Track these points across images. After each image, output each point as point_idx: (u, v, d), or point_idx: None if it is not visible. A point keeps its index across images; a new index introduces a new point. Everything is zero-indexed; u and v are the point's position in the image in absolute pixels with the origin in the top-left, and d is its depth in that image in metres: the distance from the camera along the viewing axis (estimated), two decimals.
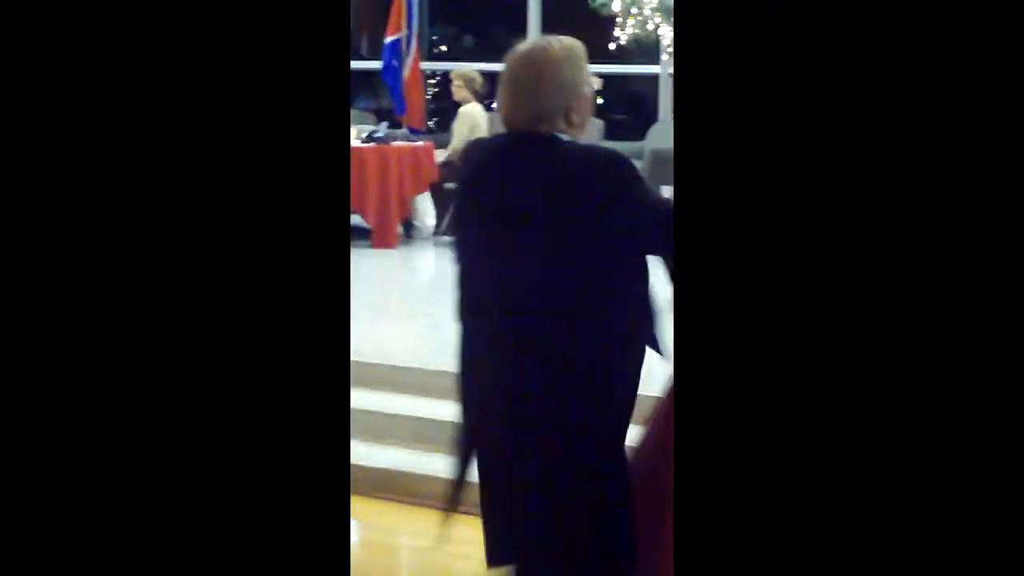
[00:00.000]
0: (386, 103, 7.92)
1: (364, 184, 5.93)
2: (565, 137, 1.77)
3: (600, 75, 5.84)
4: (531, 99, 1.77)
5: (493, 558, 1.82)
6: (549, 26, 8.75)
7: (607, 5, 6.77)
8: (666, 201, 1.72)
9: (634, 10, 6.83)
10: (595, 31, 6.92)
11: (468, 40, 9.77)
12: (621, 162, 1.75)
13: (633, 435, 1.82)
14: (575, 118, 1.79)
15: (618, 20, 6.83)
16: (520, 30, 8.99)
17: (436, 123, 6.94)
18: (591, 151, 1.80)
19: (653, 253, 1.74)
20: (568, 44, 1.84)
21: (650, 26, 6.74)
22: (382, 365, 3.62)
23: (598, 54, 5.94)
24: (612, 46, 6.91)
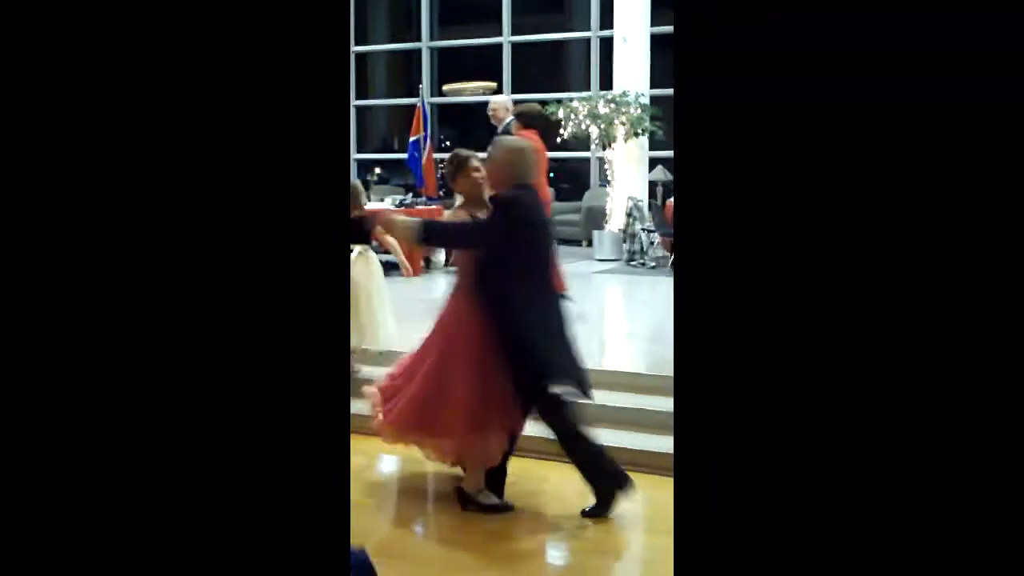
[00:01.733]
0: (410, 180, 11.64)
1: None
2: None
3: (551, 159, 8.28)
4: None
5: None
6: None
7: (555, 112, 9.85)
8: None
9: (572, 116, 10.08)
10: (547, 130, 9.53)
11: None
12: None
13: None
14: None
15: (561, 122, 10.06)
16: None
17: (443, 193, 10.32)
18: None
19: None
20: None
21: (583, 127, 10.04)
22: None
23: (550, 145, 8.22)
24: (559, 139, 9.94)
